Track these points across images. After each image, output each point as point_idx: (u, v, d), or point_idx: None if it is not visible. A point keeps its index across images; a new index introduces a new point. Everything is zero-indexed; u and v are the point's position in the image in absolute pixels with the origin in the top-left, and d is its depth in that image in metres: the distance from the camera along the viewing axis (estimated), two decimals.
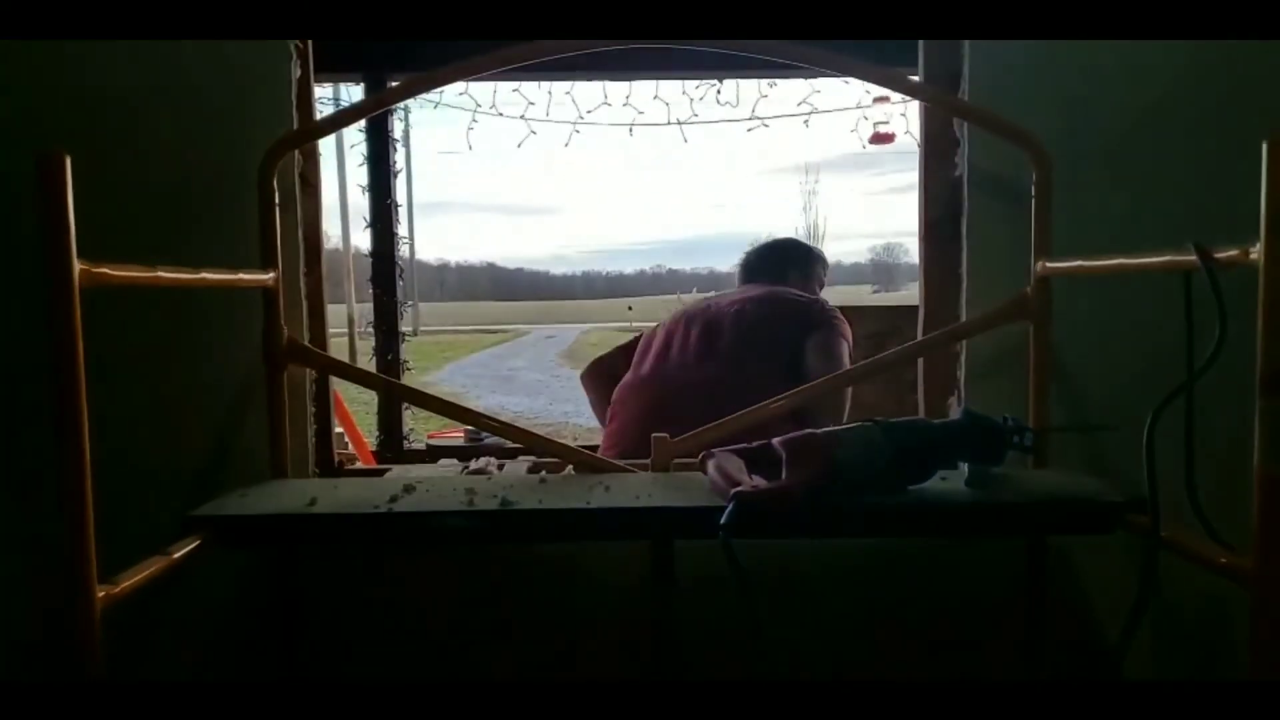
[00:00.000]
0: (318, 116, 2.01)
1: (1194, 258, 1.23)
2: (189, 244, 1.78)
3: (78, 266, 1.10)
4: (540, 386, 15.68)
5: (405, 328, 5.03)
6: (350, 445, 4.05)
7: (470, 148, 5.71)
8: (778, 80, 4.79)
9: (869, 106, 5.75)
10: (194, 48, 1.79)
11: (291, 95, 1.81)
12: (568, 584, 1.87)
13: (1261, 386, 1.09)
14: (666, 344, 2.79)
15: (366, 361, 5.51)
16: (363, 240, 4.75)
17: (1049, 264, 1.69)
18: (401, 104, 5.49)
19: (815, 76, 5.29)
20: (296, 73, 1.83)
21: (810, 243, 3.73)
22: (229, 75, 1.80)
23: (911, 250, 1.99)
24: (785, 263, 3.19)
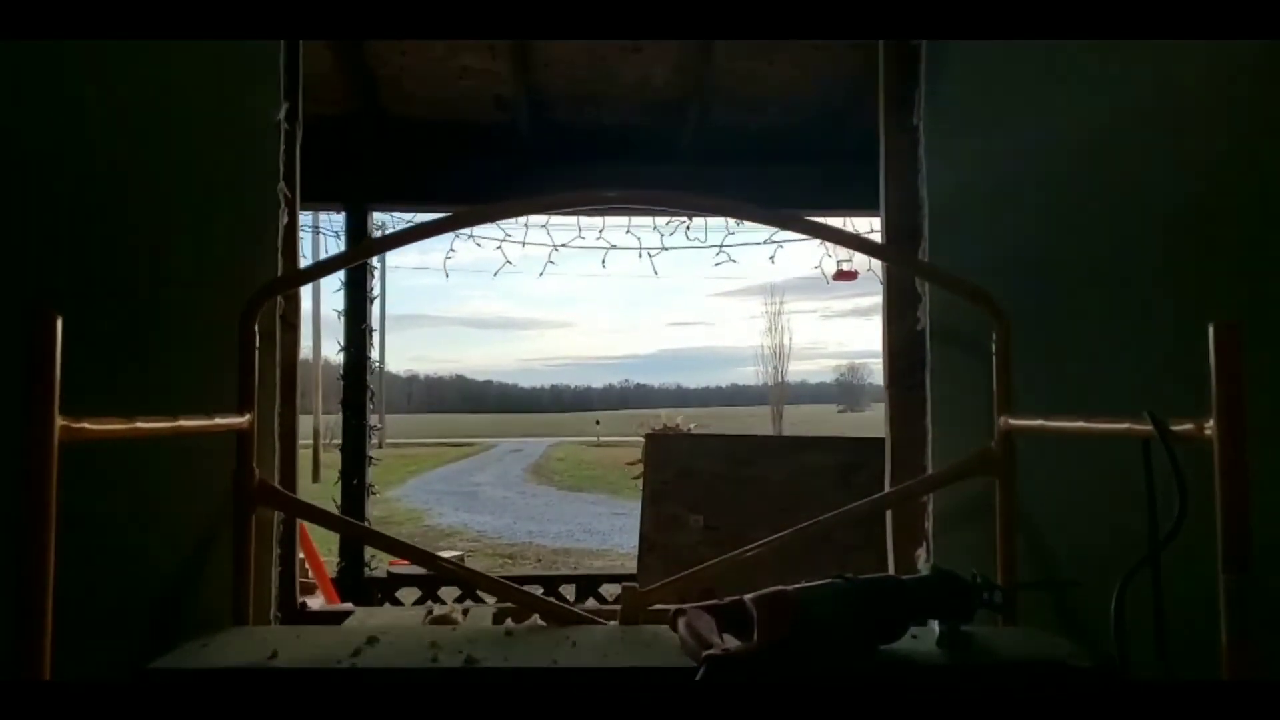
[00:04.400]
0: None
1: (1151, 428, 1.28)
2: (169, 383, 1.78)
3: (59, 423, 1.10)
4: (505, 504, 15.44)
5: (371, 441, 5.03)
6: (311, 573, 3.95)
7: (447, 276, 5.83)
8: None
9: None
10: (185, 195, 1.83)
11: (278, 242, 1.85)
12: None
13: (1224, 563, 1.13)
14: None
15: (332, 480, 5.44)
16: (333, 348, 4.77)
17: (1012, 421, 1.75)
18: (379, 225, 5.63)
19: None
20: (284, 220, 1.88)
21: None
22: (221, 220, 1.84)
23: (875, 371, 2.07)
24: None
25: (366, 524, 4.24)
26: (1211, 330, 1.15)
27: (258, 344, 1.77)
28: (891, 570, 1.99)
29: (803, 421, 48.44)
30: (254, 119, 1.85)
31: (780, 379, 49.07)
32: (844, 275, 6.03)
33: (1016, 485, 1.79)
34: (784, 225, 1.85)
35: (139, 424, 1.32)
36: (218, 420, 1.63)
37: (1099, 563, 1.39)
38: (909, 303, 2.01)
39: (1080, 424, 1.50)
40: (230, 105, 1.85)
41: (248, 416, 1.72)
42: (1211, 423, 1.16)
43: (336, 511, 5.30)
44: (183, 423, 1.48)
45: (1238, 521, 1.14)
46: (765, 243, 5.65)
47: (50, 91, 1.76)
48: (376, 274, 5.60)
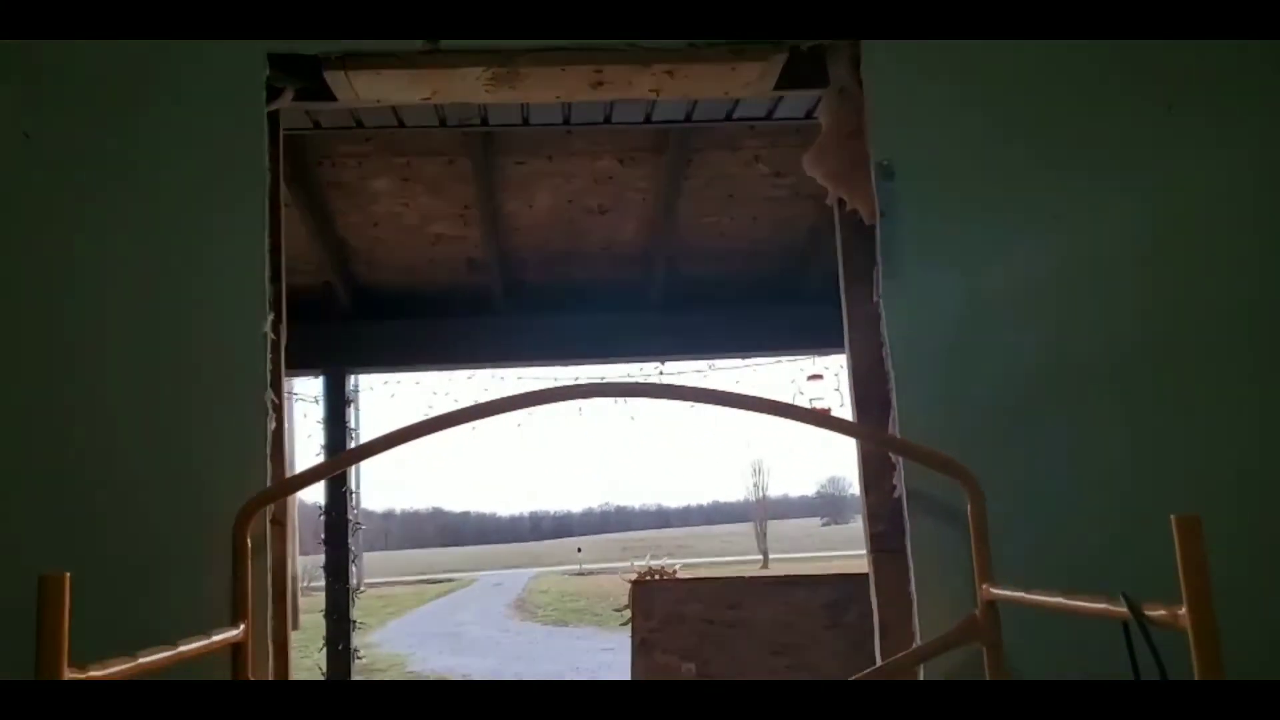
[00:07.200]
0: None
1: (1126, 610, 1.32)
2: (163, 597, 1.79)
3: (68, 674, 1.13)
4: (490, 644, 14.97)
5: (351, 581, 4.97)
6: None
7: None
8: (716, 361, 5.12)
9: (804, 382, 6.17)
10: (176, 406, 1.89)
11: (267, 448, 1.90)
12: None
13: None
14: None
15: (314, 625, 5.31)
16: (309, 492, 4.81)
17: (993, 590, 1.79)
18: (354, 386, 5.71)
19: (750, 357, 5.67)
20: (272, 425, 1.93)
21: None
22: (206, 425, 1.89)
23: (856, 484, 2.11)
24: None
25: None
26: (1174, 523, 1.20)
27: (250, 553, 1.79)
28: None
29: (786, 537, 47.80)
30: (243, 331, 1.93)
31: (762, 494, 48.73)
32: None
33: (1003, 651, 1.82)
34: (757, 409, 1.93)
35: (141, 659, 1.33)
36: (215, 638, 1.63)
37: None
38: (885, 470, 2.08)
39: (1059, 600, 1.54)
40: (222, 318, 1.93)
41: (242, 627, 1.73)
42: (1183, 610, 1.21)
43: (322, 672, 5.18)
44: (182, 648, 1.49)
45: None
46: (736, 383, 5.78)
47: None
48: (350, 408, 5.64)
